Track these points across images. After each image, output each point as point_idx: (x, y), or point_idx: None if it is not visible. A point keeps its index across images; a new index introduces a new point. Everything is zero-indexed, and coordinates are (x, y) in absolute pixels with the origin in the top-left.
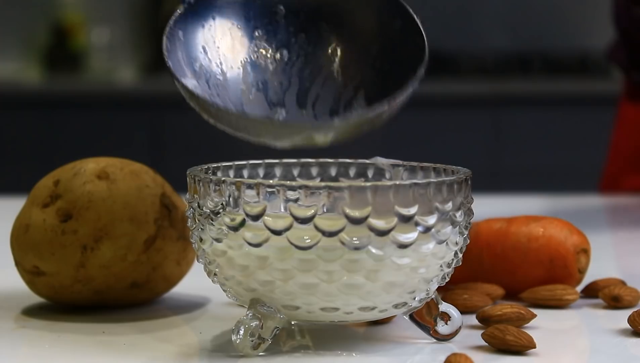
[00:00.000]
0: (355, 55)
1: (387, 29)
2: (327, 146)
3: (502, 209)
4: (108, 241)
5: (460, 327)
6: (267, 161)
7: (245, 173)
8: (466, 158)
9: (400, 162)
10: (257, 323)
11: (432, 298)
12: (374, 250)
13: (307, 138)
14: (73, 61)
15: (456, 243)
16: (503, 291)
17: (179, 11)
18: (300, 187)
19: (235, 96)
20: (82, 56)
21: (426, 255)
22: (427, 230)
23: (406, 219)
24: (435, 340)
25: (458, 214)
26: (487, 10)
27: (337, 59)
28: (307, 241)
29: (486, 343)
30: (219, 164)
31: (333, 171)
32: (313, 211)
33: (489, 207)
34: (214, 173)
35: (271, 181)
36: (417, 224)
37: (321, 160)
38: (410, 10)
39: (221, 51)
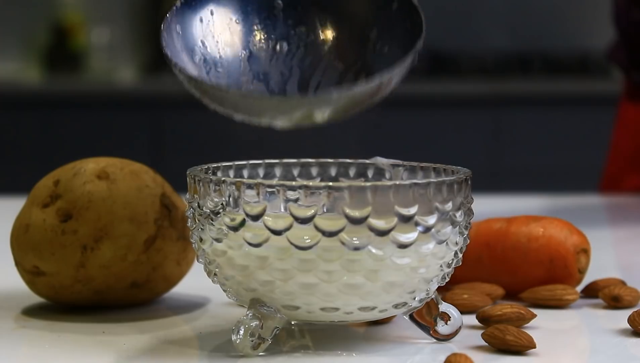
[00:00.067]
0: (354, 41)
1: (384, 12)
2: (327, 123)
3: (502, 209)
4: (108, 241)
5: (460, 327)
6: (267, 161)
7: (245, 173)
8: (466, 158)
9: (400, 162)
10: (257, 323)
11: (432, 298)
12: (374, 250)
13: (307, 114)
14: (73, 61)
15: (456, 243)
16: (503, 291)
17: (176, 5)
18: (300, 187)
19: (236, 86)
20: (82, 56)
21: (426, 255)
22: (427, 230)
23: (406, 219)
24: (435, 340)
25: (458, 214)
26: (487, 10)
27: (336, 47)
28: (307, 241)
29: (486, 343)
30: (219, 164)
31: (333, 171)
32: (313, 211)
33: (489, 207)
34: (214, 173)
35: (271, 181)
36: (417, 224)
37: (321, 160)
38: None
39: (220, 45)
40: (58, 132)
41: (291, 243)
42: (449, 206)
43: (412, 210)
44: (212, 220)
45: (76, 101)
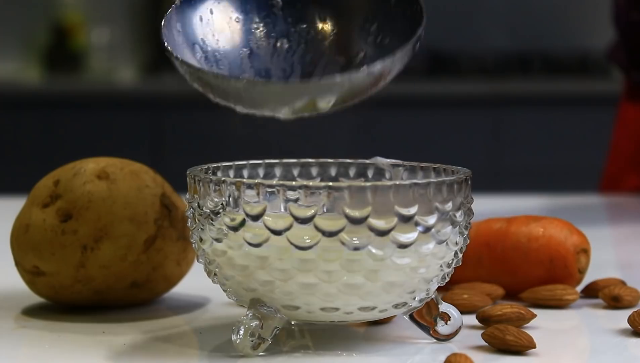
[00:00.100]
0: (355, 35)
1: (383, 3)
2: (329, 111)
3: (502, 209)
4: (108, 241)
5: (460, 327)
6: (267, 161)
7: (245, 173)
8: (466, 158)
9: (400, 162)
10: (257, 323)
11: (432, 298)
12: (374, 250)
13: (309, 102)
14: (73, 61)
15: (456, 243)
16: (503, 291)
17: (176, 4)
18: (300, 187)
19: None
20: (82, 56)
21: (426, 255)
22: (427, 230)
23: (406, 219)
24: (435, 340)
25: (458, 214)
26: (487, 10)
27: (337, 42)
28: (307, 241)
29: (486, 343)
30: (219, 164)
31: (333, 171)
32: (313, 211)
33: (489, 207)
34: (214, 173)
35: (271, 181)
36: (417, 224)
37: (321, 160)
38: None
39: (220, 43)
40: (58, 133)
41: (291, 243)
42: (449, 206)
43: (412, 210)
44: (212, 220)
45: (76, 101)
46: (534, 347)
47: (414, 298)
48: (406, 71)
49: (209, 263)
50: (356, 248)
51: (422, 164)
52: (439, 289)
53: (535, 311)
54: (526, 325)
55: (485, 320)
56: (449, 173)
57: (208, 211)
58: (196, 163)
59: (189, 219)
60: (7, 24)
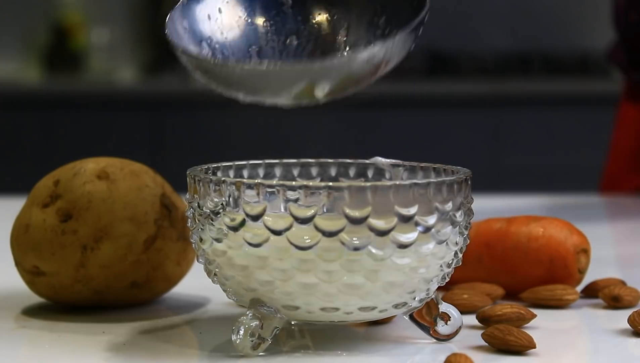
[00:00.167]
0: (364, 30)
1: None
2: (330, 98)
3: (502, 209)
4: (108, 241)
5: (460, 327)
6: (267, 161)
7: (245, 173)
8: (466, 158)
9: (400, 162)
10: (257, 323)
11: (432, 298)
12: (374, 250)
13: (309, 87)
14: (73, 61)
15: (456, 243)
16: (503, 291)
17: (183, 1)
18: (300, 187)
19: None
20: (82, 56)
21: (426, 255)
22: (427, 230)
23: (406, 220)
24: (435, 340)
25: (458, 214)
26: (487, 10)
27: (347, 38)
28: (307, 241)
29: (486, 343)
30: (219, 164)
31: (333, 171)
32: (313, 211)
33: (489, 207)
34: (214, 173)
35: (271, 181)
36: (417, 224)
37: (321, 160)
38: None
39: (229, 41)
40: (58, 133)
41: (291, 243)
42: (449, 206)
43: (412, 210)
44: (212, 220)
45: (76, 101)
46: (534, 347)
47: (414, 298)
48: (406, 71)
49: (209, 263)
50: (356, 248)
51: (422, 164)
52: (439, 289)
53: (535, 311)
54: (526, 325)
55: (485, 320)
56: (449, 173)
57: (208, 211)
58: (196, 163)
59: (189, 220)
60: (7, 24)
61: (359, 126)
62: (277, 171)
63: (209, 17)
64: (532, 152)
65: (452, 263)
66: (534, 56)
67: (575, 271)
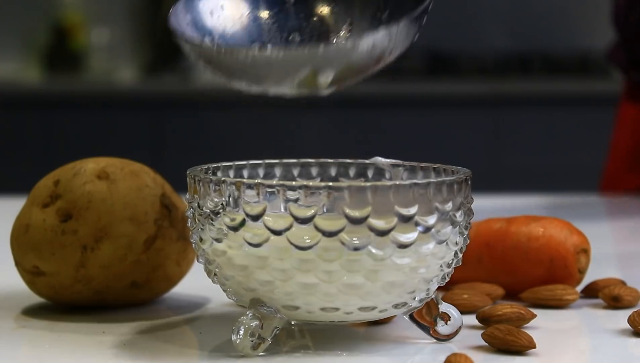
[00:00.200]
0: (367, 25)
1: None
2: (333, 86)
3: (502, 209)
4: (108, 241)
5: (460, 327)
6: (267, 161)
7: (245, 173)
8: (466, 158)
9: (400, 162)
10: (257, 323)
11: (432, 298)
12: (374, 250)
13: (312, 75)
14: (73, 61)
15: (456, 243)
16: (503, 291)
17: None
18: (300, 187)
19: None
20: (82, 56)
21: (426, 255)
22: (427, 230)
23: (406, 220)
24: (435, 340)
25: (458, 214)
26: (487, 10)
27: (350, 33)
28: (307, 241)
29: (486, 343)
30: (219, 164)
31: (333, 171)
32: (313, 211)
33: (489, 207)
34: (214, 173)
35: (271, 181)
36: (417, 224)
37: (321, 160)
38: None
39: (231, 37)
40: (58, 133)
41: (291, 243)
42: (449, 206)
43: (412, 210)
44: (212, 220)
45: (76, 101)
46: (534, 347)
47: (414, 298)
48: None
49: (209, 263)
50: (356, 248)
51: (422, 164)
52: (439, 289)
53: (535, 311)
54: (526, 325)
55: (485, 320)
56: (449, 173)
57: (208, 211)
58: (196, 163)
59: (189, 220)
60: (7, 24)
61: (359, 126)
62: (277, 171)
63: (211, 12)
64: (532, 152)
65: (452, 263)
66: (534, 56)
67: (575, 271)
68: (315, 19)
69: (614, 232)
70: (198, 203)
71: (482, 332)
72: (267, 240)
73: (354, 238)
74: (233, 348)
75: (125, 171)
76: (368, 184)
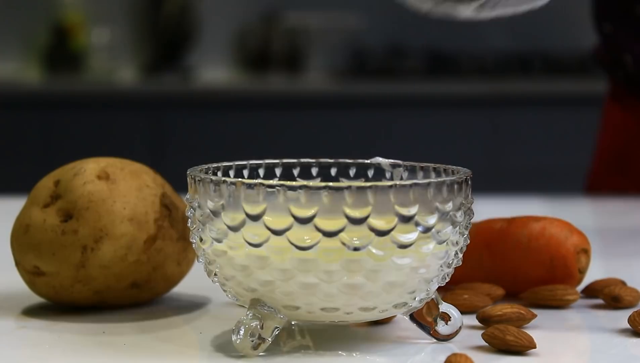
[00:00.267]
0: None
1: None
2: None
3: (502, 209)
4: (108, 241)
5: (460, 327)
6: (267, 161)
7: (245, 173)
8: (466, 158)
9: (400, 162)
10: (257, 323)
11: (432, 298)
12: (374, 250)
13: None
14: (73, 61)
15: (456, 243)
16: (503, 291)
17: None
18: (300, 187)
19: None
20: (82, 56)
21: (426, 255)
22: (428, 230)
23: (406, 220)
24: (435, 340)
25: (458, 214)
26: None
27: None
28: (307, 241)
29: (486, 343)
30: (219, 164)
31: (333, 171)
32: (313, 211)
33: (489, 207)
34: (214, 173)
35: (271, 181)
36: (417, 224)
37: (321, 160)
38: None
39: None
40: (58, 132)
41: (291, 243)
42: (449, 206)
43: (412, 210)
44: (212, 220)
45: (76, 101)
46: (534, 347)
47: (414, 298)
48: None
49: (209, 263)
50: (356, 248)
51: (422, 164)
52: (439, 289)
53: (535, 311)
54: (526, 325)
55: (485, 320)
56: (449, 173)
57: (208, 211)
58: (196, 163)
59: (189, 220)
60: (7, 24)
61: (359, 126)
62: (277, 171)
63: None
64: (532, 152)
65: (452, 263)
66: (534, 56)
67: (576, 271)
68: None
69: (614, 232)
70: (198, 203)
71: (482, 332)
72: (267, 240)
73: (354, 238)
74: (233, 348)
75: (126, 171)
76: (368, 184)
